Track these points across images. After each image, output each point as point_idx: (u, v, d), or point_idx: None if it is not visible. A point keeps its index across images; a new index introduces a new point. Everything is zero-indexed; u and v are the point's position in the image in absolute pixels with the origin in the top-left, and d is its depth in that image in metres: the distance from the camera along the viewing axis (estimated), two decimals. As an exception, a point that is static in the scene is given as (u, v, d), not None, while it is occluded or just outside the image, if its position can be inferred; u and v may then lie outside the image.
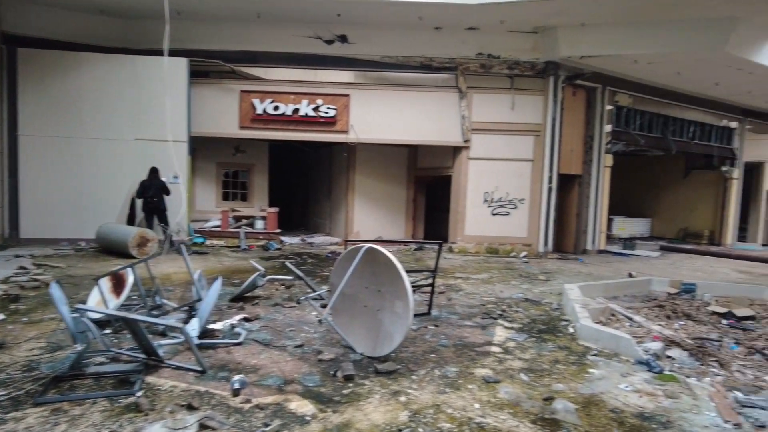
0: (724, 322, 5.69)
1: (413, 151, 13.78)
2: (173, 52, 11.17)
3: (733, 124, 16.40)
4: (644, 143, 13.43)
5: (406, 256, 11.11)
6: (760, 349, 4.64)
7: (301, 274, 5.98)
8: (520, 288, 7.69)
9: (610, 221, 17.68)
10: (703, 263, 12.11)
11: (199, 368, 3.74)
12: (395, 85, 12.05)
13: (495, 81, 11.93)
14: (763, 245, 17.20)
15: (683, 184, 18.31)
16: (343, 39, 11.54)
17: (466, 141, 11.84)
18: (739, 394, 3.62)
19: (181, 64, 11.01)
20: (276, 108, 11.65)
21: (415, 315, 5.58)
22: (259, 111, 11.65)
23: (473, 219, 12.11)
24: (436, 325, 5.25)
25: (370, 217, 13.63)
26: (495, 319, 5.63)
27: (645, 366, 4.10)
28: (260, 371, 3.83)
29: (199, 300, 4.86)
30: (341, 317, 4.55)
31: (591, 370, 4.04)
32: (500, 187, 12.07)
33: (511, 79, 11.80)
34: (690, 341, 4.71)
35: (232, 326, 4.96)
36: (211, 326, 4.92)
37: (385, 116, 11.79)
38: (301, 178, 18.50)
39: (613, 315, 5.76)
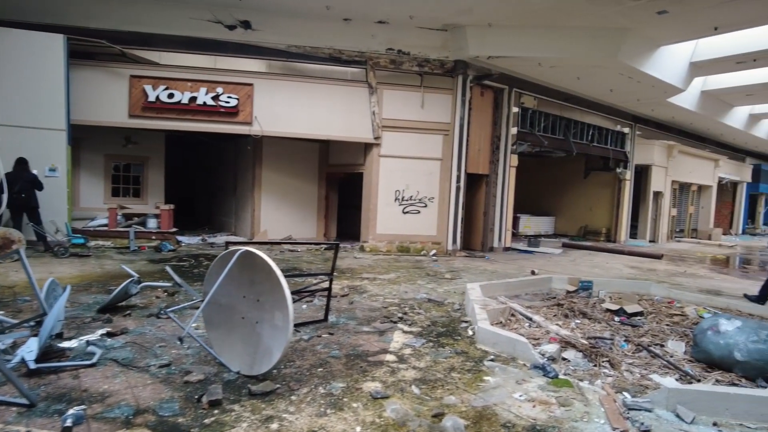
0: (617, 319, 5.82)
1: (325, 146, 13.31)
2: (50, 28, 9.92)
3: (626, 130, 17.62)
4: (547, 144, 13.95)
5: (315, 256, 10.62)
6: (646, 346, 4.72)
7: (179, 279, 5.30)
8: (425, 288, 7.50)
9: (516, 219, 18.34)
10: (600, 260, 12.77)
11: (24, 401, 3.04)
12: (303, 76, 11.51)
13: (405, 78, 11.77)
14: (651, 241, 18.67)
15: (583, 185, 19.43)
16: (246, 25, 10.78)
17: (376, 138, 11.56)
18: (627, 396, 3.57)
19: (57, 41, 9.73)
20: (171, 96, 10.65)
21: (311, 322, 5.15)
22: (152, 98, 10.58)
23: (385, 217, 11.87)
24: (331, 333, 4.84)
25: (279, 215, 12.97)
26: (395, 323, 5.33)
27: (540, 371, 3.96)
28: (109, 399, 3.20)
29: (45, 314, 4.08)
30: (217, 331, 4.01)
31: (486, 378, 3.83)
32: (411, 185, 11.94)
33: (421, 77, 11.70)
34: (584, 341, 4.69)
35: (88, 343, 4.22)
36: (64, 344, 4.16)
37: (292, 108, 11.20)
38: (206, 174, 17.33)
39: (513, 315, 5.69)
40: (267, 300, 3.62)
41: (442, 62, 11.58)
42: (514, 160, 13.22)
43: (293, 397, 3.34)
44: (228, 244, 4.22)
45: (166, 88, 10.64)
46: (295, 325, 4.96)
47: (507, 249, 13.41)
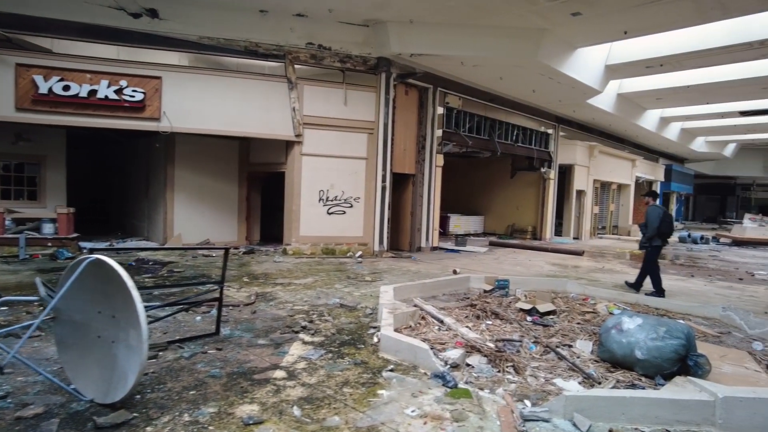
0: (529, 319, 5.70)
1: (246, 144, 12.61)
2: None
3: (550, 130, 18.14)
4: (472, 144, 14.02)
5: (231, 261, 9.96)
6: (554, 347, 4.59)
7: (44, 293, 4.60)
8: (341, 292, 7.13)
9: (446, 219, 18.43)
10: (524, 257, 12.95)
11: None
12: (217, 70, 10.83)
13: (327, 74, 11.36)
14: (574, 238, 19.34)
15: (510, 184, 19.85)
16: (152, 13, 9.95)
17: (297, 135, 11.07)
18: (526, 405, 3.36)
19: None
20: (67, 88, 9.61)
21: (199, 337, 4.63)
22: (44, 90, 9.50)
23: (308, 219, 11.39)
24: (219, 348, 4.35)
25: (196, 218, 12.14)
26: (296, 333, 4.91)
27: (440, 380, 3.69)
28: None
29: None
30: (71, 353, 3.43)
31: (381, 392, 3.50)
32: (336, 185, 11.54)
33: (344, 73, 11.33)
34: (491, 345, 4.48)
35: None
36: None
37: (205, 104, 10.48)
38: (118, 174, 16.07)
39: (423, 318, 5.43)
40: (122, 316, 3.10)
41: (365, 59, 11.28)
42: (440, 159, 13.14)
43: (149, 429, 2.85)
44: (93, 250, 3.64)
45: (61, 80, 9.60)
46: (180, 341, 4.45)
47: (435, 248, 13.32)
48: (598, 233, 21.93)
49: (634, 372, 4.08)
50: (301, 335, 4.84)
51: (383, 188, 11.68)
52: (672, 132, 23.53)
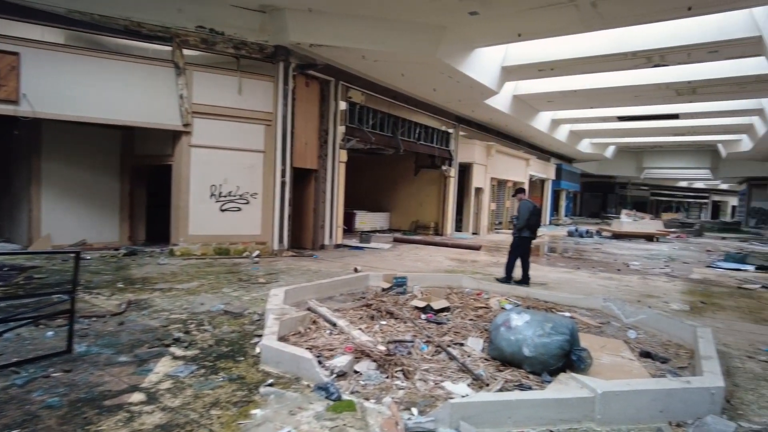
0: (423, 316, 5.60)
1: (129, 134, 11.40)
2: None
3: (451, 130, 18.60)
4: (375, 141, 13.90)
5: (108, 264, 8.93)
6: (445, 347, 4.49)
7: None
8: (230, 296, 6.59)
9: (352, 216, 18.25)
10: (426, 253, 13.08)
11: None
12: (91, 49, 9.63)
13: (220, 60, 10.60)
14: (473, 233, 20.05)
15: (415, 182, 20.12)
16: (7, -22, 8.60)
17: (186, 125, 10.18)
18: (413, 414, 3.16)
19: None
20: None
21: (46, 356, 3.93)
22: None
23: (199, 216, 10.55)
24: (68, 370, 3.70)
25: (69, 217, 10.76)
26: (167, 346, 4.36)
27: (323, 392, 3.39)
28: None
29: None
30: None
31: (254, 412, 3.13)
32: (230, 179, 10.80)
33: (238, 61, 10.63)
34: (382, 348, 4.27)
35: None
36: None
37: (80, 87, 9.24)
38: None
39: (314, 322, 5.11)
40: None
41: (262, 46, 10.66)
42: (343, 155, 12.86)
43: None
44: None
45: None
46: (21, 362, 3.74)
47: (339, 246, 13.03)
48: (495, 228, 22.97)
49: (523, 369, 4.08)
50: (173, 349, 4.29)
51: (283, 183, 11.16)
52: (562, 133, 25.28)
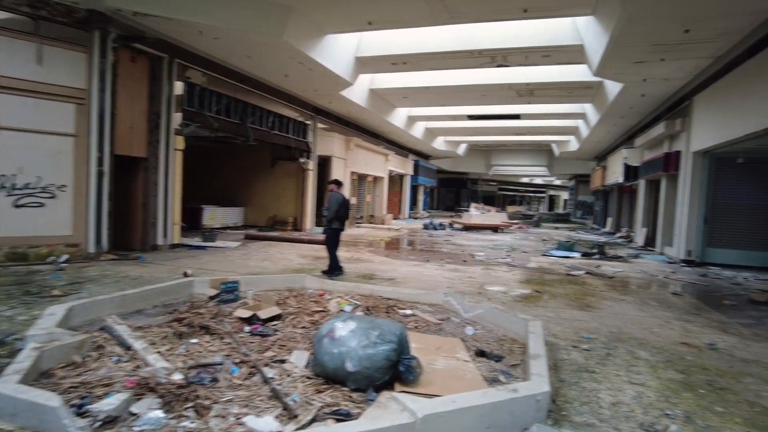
0: (247, 329, 4.84)
1: None
2: None
3: (308, 121, 17.87)
4: (221, 127, 12.63)
5: None
6: (262, 366, 3.79)
7: None
8: (1, 316, 5.13)
9: (199, 211, 16.64)
10: (277, 250, 12.23)
11: None
12: None
13: (9, 21, 8.58)
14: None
15: (271, 174, 19.05)
16: None
17: (-42, 99, 8.06)
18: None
19: None
20: None
21: None
22: None
23: (-17, 213, 8.47)
24: None
25: None
26: None
27: (67, 454, 2.49)
28: None
29: None
30: None
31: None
32: (27, 168, 8.83)
33: (37, 23, 8.70)
34: (177, 377, 3.43)
35: None
36: None
37: None
38: None
39: (99, 347, 4.06)
40: None
41: (70, 9, 8.85)
42: (179, 142, 11.39)
43: None
44: None
45: None
46: None
47: (175, 246, 11.55)
48: (356, 223, 22.84)
49: (347, 387, 3.55)
50: None
51: (100, 173, 9.46)
52: (418, 130, 26.01)
